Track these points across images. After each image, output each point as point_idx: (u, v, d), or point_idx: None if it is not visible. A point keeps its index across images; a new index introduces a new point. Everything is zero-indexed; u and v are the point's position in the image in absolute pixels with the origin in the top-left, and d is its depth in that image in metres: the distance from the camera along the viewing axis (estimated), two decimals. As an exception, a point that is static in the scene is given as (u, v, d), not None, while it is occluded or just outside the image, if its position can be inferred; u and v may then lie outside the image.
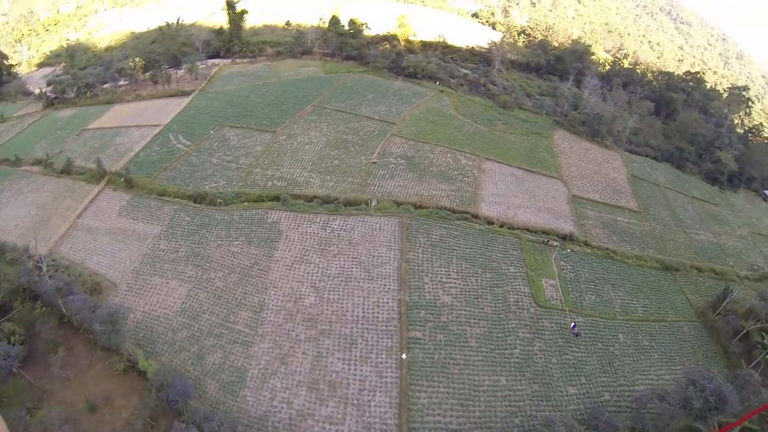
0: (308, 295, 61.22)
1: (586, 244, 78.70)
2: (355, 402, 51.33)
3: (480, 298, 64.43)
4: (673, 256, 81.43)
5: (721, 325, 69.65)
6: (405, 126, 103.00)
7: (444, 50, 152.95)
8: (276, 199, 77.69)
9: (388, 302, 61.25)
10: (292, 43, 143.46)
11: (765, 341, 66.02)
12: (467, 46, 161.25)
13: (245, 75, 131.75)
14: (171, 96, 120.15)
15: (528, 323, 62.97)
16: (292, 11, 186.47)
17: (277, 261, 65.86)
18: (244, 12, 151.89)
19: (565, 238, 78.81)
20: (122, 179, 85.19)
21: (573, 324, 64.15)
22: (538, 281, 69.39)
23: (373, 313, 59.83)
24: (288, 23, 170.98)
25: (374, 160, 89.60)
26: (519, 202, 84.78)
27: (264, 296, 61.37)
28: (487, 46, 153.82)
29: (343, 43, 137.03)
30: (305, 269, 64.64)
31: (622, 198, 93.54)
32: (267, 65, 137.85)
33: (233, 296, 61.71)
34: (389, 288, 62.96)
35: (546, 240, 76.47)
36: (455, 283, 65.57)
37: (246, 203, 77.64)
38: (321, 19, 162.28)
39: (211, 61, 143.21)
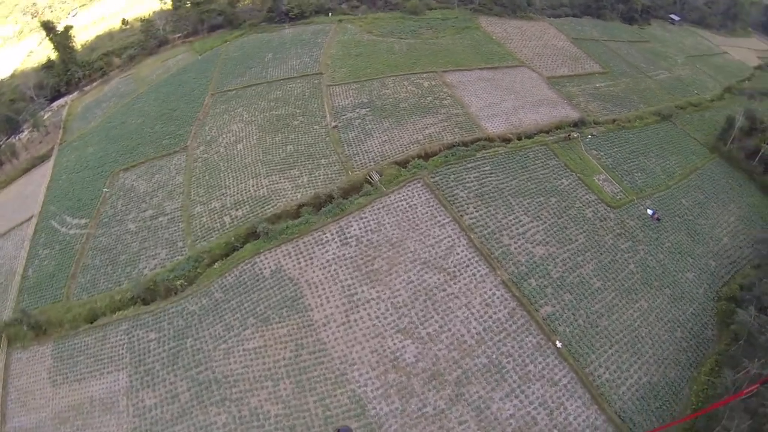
0: (402, 348, 41.38)
1: (596, 123, 71.57)
2: (557, 431, 37.69)
3: (565, 230, 52.97)
4: (657, 104, 79.26)
5: (736, 153, 71.01)
6: (334, 71, 79.29)
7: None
8: (252, 236, 52.18)
9: (494, 293, 45.62)
10: (142, 40, 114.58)
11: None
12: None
13: (105, 100, 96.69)
14: (27, 170, 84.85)
15: (618, 231, 55.12)
16: (123, 5, 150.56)
17: (325, 326, 42.99)
18: (69, 29, 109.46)
19: (577, 125, 70.48)
20: (24, 327, 51.49)
21: (651, 211, 58.77)
22: (592, 182, 60.19)
23: (491, 316, 43.90)
24: (125, 21, 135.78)
25: (333, 124, 66.40)
26: (511, 105, 72.00)
27: (351, 387, 39.22)
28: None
29: (203, 13, 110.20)
30: (369, 314, 43.69)
31: (585, 63, 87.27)
32: (124, 77, 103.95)
33: (310, 418, 38.15)
34: (481, 275, 46.87)
35: (567, 134, 66.51)
36: (533, 226, 52.39)
37: (217, 265, 50.65)
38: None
39: (55, 104, 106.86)
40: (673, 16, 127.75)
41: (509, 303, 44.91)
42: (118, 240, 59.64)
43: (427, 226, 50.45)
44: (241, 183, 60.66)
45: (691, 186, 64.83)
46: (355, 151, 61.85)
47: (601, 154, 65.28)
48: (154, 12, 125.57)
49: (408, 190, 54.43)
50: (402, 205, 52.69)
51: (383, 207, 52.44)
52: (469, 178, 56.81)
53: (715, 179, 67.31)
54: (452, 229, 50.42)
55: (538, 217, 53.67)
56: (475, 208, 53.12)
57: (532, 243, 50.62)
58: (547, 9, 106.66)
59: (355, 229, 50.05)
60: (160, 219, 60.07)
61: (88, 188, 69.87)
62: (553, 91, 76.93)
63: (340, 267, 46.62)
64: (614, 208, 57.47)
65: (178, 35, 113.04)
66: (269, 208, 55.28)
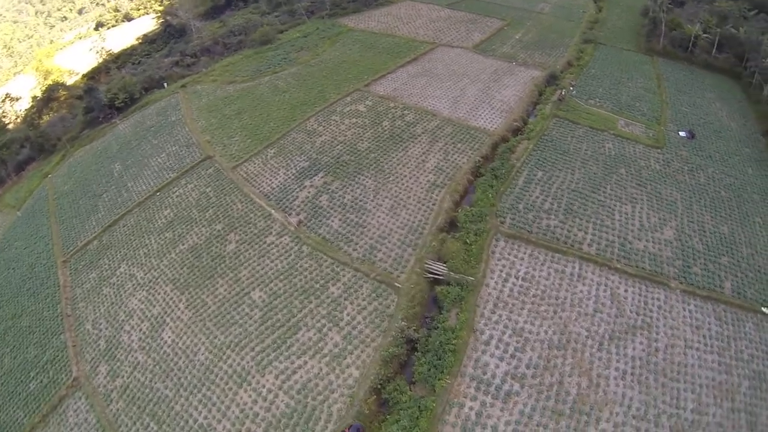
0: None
1: (561, 72, 64.24)
2: None
3: (660, 196, 43.78)
4: (573, 34, 76.21)
5: (669, 48, 72.55)
6: (225, 146, 55.45)
7: (118, 60, 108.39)
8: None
9: (690, 311, 33.64)
10: None
11: (699, 32, 70.47)
12: (139, 38, 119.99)
13: None
14: None
15: (687, 167, 48.21)
16: None
17: None
18: None
19: (549, 82, 61.81)
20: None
21: (683, 133, 53.96)
22: (623, 132, 51.96)
23: (715, 337, 31.41)
24: None
25: (295, 220, 43.16)
26: (477, 90, 59.18)
27: None
28: (160, 23, 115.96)
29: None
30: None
31: (486, 22, 79.17)
32: None
33: None
34: (663, 301, 33.78)
35: (558, 97, 56.72)
36: (637, 212, 41.59)
37: None
38: None
39: None
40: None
41: (706, 308, 33.92)
42: None
43: (565, 293, 34.06)
44: (230, 406, 31.56)
45: (673, 92, 62.70)
46: (368, 245, 39.67)
47: (598, 101, 57.69)
48: None
49: (501, 261, 36.59)
50: (514, 285, 34.78)
51: (497, 305, 33.63)
52: (535, 197, 42.11)
53: (678, 77, 66.80)
54: (593, 273, 35.24)
55: (633, 198, 42.70)
56: (580, 229, 38.86)
57: (656, 231, 39.60)
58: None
59: (495, 367, 30.12)
60: None
61: None
62: (495, 59, 66.70)
63: (540, 426, 27.11)
64: (661, 148, 50.14)
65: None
66: (327, 426, 30.28)
